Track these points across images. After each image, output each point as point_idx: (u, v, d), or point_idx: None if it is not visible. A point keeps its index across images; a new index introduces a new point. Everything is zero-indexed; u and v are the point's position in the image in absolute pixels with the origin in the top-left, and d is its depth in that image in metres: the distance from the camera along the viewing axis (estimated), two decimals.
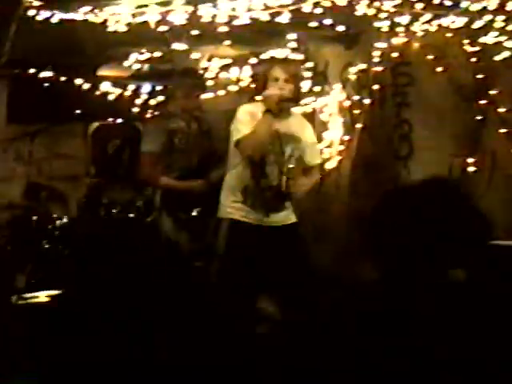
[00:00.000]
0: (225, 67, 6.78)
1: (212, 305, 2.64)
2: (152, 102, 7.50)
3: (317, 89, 6.91)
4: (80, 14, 5.67)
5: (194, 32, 5.84)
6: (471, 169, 6.31)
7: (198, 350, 2.41)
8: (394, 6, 5.68)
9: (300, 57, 6.57)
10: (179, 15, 5.64)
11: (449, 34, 5.95)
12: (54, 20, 5.62)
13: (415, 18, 5.80)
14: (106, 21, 5.78)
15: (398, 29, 5.98)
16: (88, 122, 8.20)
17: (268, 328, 2.68)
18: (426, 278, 2.53)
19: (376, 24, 5.93)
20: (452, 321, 2.50)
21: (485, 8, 5.54)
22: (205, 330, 2.48)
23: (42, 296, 5.31)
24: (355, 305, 2.56)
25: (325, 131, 6.91)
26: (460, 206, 2.66)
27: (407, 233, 2.57)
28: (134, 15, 5.74)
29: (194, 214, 6.07)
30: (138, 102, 7.55)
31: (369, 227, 2.71)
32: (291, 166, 5.43)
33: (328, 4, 5.60)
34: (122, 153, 7.95)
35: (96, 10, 5.71)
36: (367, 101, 6.66)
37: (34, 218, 7.13)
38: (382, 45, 6.29)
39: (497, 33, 5.80)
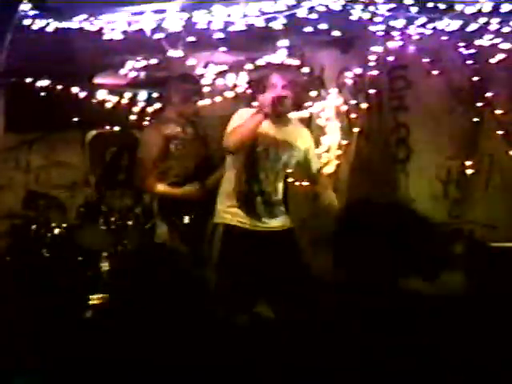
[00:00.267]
0: (221, 73, 6.77)
1: (209, 308, 2.64)
2: (149, 109, 7.51)
3: (313, 94, 6.93)
4: (75, 23, 5.65)
5: (190, 39, 5.78)
6: (469, 171, 6.32)
7: (195, 352, 2.41)
8: (389, 10, 5.64)
9: (296, 62, 6.56)
10: (175, 22, 5.60)
11: (444, 37, 5.92)
12: (50, 29, 5.59)
13: (410, 21, 5.76)
14: (101, 29, 5.75)
15: (394, 33, 5.95)
16: (85, 130, 8.21)
17: (264, 331, 2.69)
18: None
19: (371, 28, 5.88)
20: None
21: (479, 10, 5.51)
22: (202, 332, 2.48)
23: None
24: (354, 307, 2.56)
25: (322, 136, 6.91)
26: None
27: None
28: (129, 23, 5.71)
29: (187, 220, 6.05)
30: (135, 109, 7.56)
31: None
32: (286, 173, 5.46)
33: (323, 9, 5.56)
34: (119, 160, 7.94)
35: (91, 19, 5.68)
36: (364, 105, 6.66)
37: (33, 226, 7.14)
38: (378, 49, 6.26)
39: (492, 35, 5.78)
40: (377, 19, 5.72)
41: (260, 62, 6.63)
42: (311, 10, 5.55)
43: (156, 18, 5.65)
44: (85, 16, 5.66)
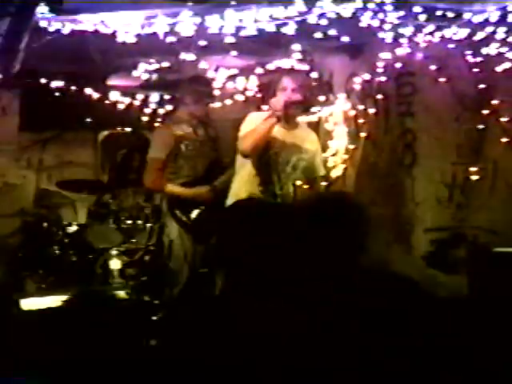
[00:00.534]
0: (231, 77, 6.80)
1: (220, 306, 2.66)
2: (160, 111, 7.54)
3: (322, 98, 6.95)
4: (90, 25, 5.65)
5: (202, 43, 5.78)
6: (474, 177, 6.31)
7: (209, 350, 2.43)
8: (398, 18, 5.61)
9: (305, 67, 6.58)
10: (187, 26, 5.59)
11: (451, 45, 5.92)
12: (65, 31, 5.60)
13: (418, 29, 5.74)
14: (115, 31, 5.75)
15: (402, 40, 5.93)
16: (98, 131, 8.26)
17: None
18: None
19: (380, 35, 5.87)
20: None
21: (487, 20, 5.51)
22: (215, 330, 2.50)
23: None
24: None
25: (330, 140, 6.92)
26: None
27: None
28: (142, 26, 5.71)
29: (194, 215, 6.05)
30: (147, 111, 7.59)
31: None
32: (296, 175, 5.49)
33: (333, 15, 5.57)
34: (130, 160, 7.99)
35: (105, 21, 5.69)
36: (372, 110, 6.67)
37: (45, 224, 7.18)
38: (386, 55, 6.25)
39: (498, 44, 5.79)
40: (386, 26, 5.68)
41: (270, 66, 6.66)
42: (321, 16, 5.50)
43: (169, 22, 5.65)
44: (99, 19, 5.68)
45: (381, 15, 5.57)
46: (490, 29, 5.60)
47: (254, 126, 5.38)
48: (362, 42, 6.44)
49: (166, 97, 7.57)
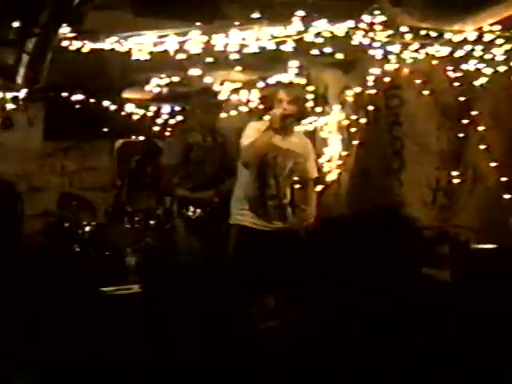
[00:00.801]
0: (235, 90, 6.88)
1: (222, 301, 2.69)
2: (171, 121, 7.59)
3: (318, 109, 7.01)
4: (107, 44, 5.71)
5: (209, 59, 5.82)
6: (455, 181, 6.35)
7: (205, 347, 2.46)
8: (387, 36, 5.67)
9: (302, 81, 6.63)
10: (195, 44, 5.63)
11: (434, 62, 5.99)
12: (85, 49, 5.66)
13: (405, 47, 5.81)
14: (130, 50, 5.80)
15: (390, 56, 6.00)
16: (114, 139, 8.31)
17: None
18: None
19: (370, 52, 5.95)
20: None
21: (465, 39, 5.57)
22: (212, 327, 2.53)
23: None
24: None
25: (325, 147, 6.99)
26: None
27: None
28: (155, 44, 5.75)
29: (197, 214, 6.09)
30: (159, 121, 7.65)
31: None
32: (292, 178, 5.52)
33: (328, 34, 5.62)
34: (143, 166, 8.02)
35: (121, 40, 5.73)
36: (363, 120, 6.72)
37: (66, 224, 7.24)
38: (376, 70, 6.32)
39: (476, 61, 5.86)
40: (375, 44, 5.76)
41: (271, 80, 6.74)
42: (317, 35, 5.56)
43: (179, 40, 5.71)
44: (116, 38, 5.76)
45: (371, 34, 5.64)
46: (468, 47, 5.68)
47: (253, 136, 5.38)
48: (354, 59, 6.50)
49: (177, 108, 7.63)
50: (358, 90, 6.67)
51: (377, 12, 5.43)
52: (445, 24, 5.54)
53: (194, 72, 6.06)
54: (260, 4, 5.34)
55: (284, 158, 5.46)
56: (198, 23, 5.51)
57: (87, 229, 7.19)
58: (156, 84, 6.71)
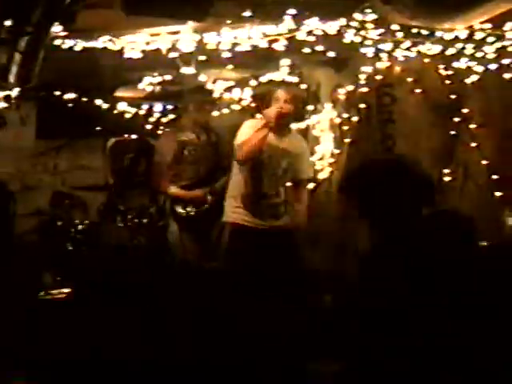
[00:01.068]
0: (228, 89, 6.88)
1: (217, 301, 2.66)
2: (164, 119, 7.58)
3: (310, 107, 7.02)
4: (100, 43, 5.71)
5: (201, 57, 5.84)
6: (447, 178, 6.34)
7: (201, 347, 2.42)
8: (378, 35, 5.68)
9: (295, 79, 6.64)
10: (187, 42, 5.64)
11: (426, 60, 6.01)
12: (77, 48, 5.65)
13: (396, 45, 5.84)
14: (122, 48, 5.81)
15: (382, 54, 6.03)
16: (106, 138, 8.28)
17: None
18: None
19: (362, 50, 5.96)
20: None
21: (456, 37, 5.58)
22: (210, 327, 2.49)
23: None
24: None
25: (317, 145, 6.98)
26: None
27: None
28: (147, 43, 5.75)
29: (191, 212, 6.06)
30: (151, 119, 7.64)
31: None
32: (286, 177, 5.53)
33: (320, 32, 5.63)
34: (136, 165, 8.00)
35: (114, 39, 5.73)
36: (355, 118, 6.71)
37: (59, 223, 7.22)
38: (368, 69, 6.35)
39: (467, 59, 5.88)
40: (367, 42, 5.77)
41: (263, 78, 6.74)
42: (309, 33, 5.58)
43: (171, 39, 5.71)
44: (108, 37, 5.75)
45: (362, 32, 5.65)
46: (459, 45, 5.70)
47: (248, 134, 5.39)
48: (346, 57, 6.49)
49: (169, 107, 7.62)
50: (350, 88, 6.67)
51: (368, 10, 5.43)
52: (436, 22, 5.54)
53: (187, 70, 6.06)
54: (252, 2, 5.34)
55: (279, 157, 5.48)
56: (190, 21, 5.50)
57: (80, 227, 7.17)
58: (149, 82, 6.71)
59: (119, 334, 2.45)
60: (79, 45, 5.64)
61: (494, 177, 6.13)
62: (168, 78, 6.64)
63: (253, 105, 7.00)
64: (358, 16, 5.44)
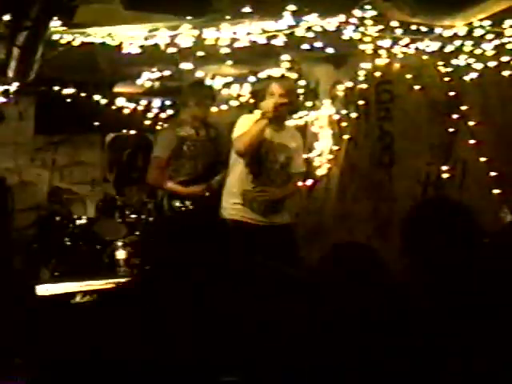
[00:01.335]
0: (227, 84, 6.86)
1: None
2: (162, 115, 7.57)
3: (309, 104, 7.00)
4: (98, 38, 5.69)
5: (200, 53, 5.84)
6: (445, 175, 6.34)
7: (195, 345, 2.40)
8: (377, 31, 5.67)
9: (294, 75, 6.61)
10: (186, 38, 5.62)
11: (425, 57, 6.01)
12: (76, 43, 5.64)
13: (395, 41, 5.84)
14: (121, 43, 5.79)
15: (381, 51, 6.04)
16: (105, 133, 8.30)
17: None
18: None
19: (361, 47, 5.96)
20: None
21: (455, 34, 5.58)
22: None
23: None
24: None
25: (316, 142, 6.98)
26: None
27: None
28: (146, 38, 5.73)
29: (188, 208, 6.05)
30: (149, 115, 7.63)
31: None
32: (283, 172, 5.52)
33: (319, 29, 5.62)
34: (134, 160, 8.02)
35: (112, 34, 5.71)
36: (354, 115, 6.70)
37: (57, 218, 7.22)
38: (367, 65, 6.36)
39: (466, 56, 5.88)
40: (366, 39, 5.77)
41: (262, 74, 6.73)
42: (308, 29, 5.56)
43: (170, 34, 5.70)
44: (106, 32, 5.72)
45: (362, 29, 5.64)
46: (458, 42, 5.69)
47: (246, 127, 5.40)
48: (346, 53, 6.48)
49: (167, 102, 7.61)
50: (349, 84, 6.67)
51: (367, 7, 5.40)
52: (435, 19, 5.52)
53: (185, 66, 6.06)
54: None
55: (276, 152, 5.47)
56: (188, 17, 5.47)
57: (78, 223, 7.18)
58: (147, 78, 6.70)
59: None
60: (78, 40, 5.61)
61: (493, 173, 6.10)
62: (167, 73, 6.61)
63: (251, 101, 7.00)
64: (357, 12, 5.42)
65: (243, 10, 5.30)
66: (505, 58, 5.81)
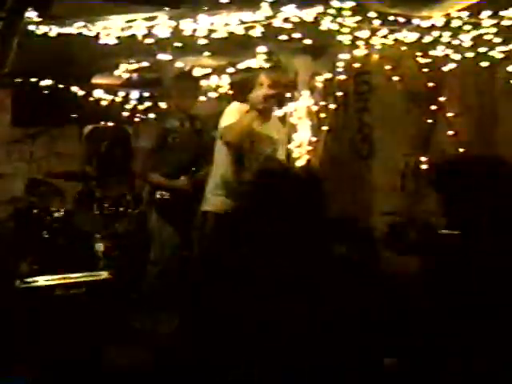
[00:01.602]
0: (205, 76, 6.83)
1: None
2: (140, 106, 7.54)
3: (287, 95, 6.98)
4: (75, 29, 5.64)
5: (177, 44, 5.81)
6: (423, 166, 6.34)
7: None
8: (355, 22, 5.66)
9: (272, 67, 6.61)
10: (163, 29, 5.59)
11: (403, 48, 5.98)
12: (52, 34, 5.58)
13: (373, 32, 5.81)
14: (98, 34, 5.75)
15: (359, 42, 6.00)
16: (83, 125, 8.25)
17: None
18: None
19: (339, 38, 5.93)
20: None
21: (433, 25, 5.58)
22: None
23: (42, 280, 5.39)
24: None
25: (294, 133, 6.98)
26: None
27: None
28: (122, 29, 5.69)
29: (170, 200, 6.01)
30: (128, 107, 7.59)
31: None
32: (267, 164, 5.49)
33: (296, 20, 5.60)
34: (112, 152, 7.97)
35: (89, 25, 5.66)
36: (332, 106, 6.72)
37: (35, 210, 7.17)
38: (345, 56, 6.34)
39: (444, 47, 5.87)
40: (344, 30, 5.75)
41: (240, 65, 6.70)
42: (286, 20, 5.55)
43: (147, 25, 5.65)
44: (83, 23, 5.68)
45: (339, 20, 5.62)
46: (436, 33, 5.68)
47: (235, 117, 5.35)
48: (324, 44, 6.47)
49: (145, 94, 7.57)
50: (328, 75, 6.67)
51: None
52: (413, 10, 5.53)
53: (163, 57, 6.02)
54: None
55: (261, 143, 5.44)
56: (165, 8, 5.45)
57: (56, 215, 7.12)
58: (125, 69, 6.66)
59: None
60: (54, 31, 5.55)
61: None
62: (145, 64, 6.57)
63: (230, 92, 6.98)
64: (335, 3, 5.39)
65: (221, 1, 5.26)
66: (482, 49, 5.81)
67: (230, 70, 6.78)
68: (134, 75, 6.83)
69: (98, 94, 7.26)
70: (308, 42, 6.02)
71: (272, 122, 5.56)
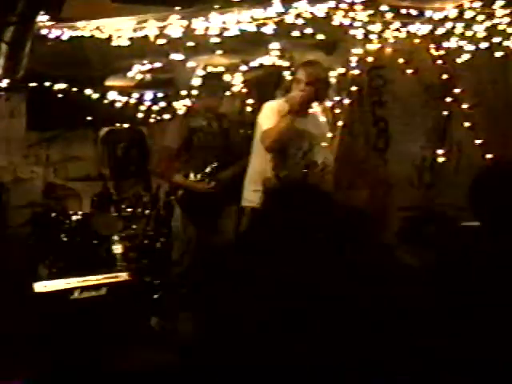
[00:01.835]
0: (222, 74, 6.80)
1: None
2: (154, 107, 7.53)
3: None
4: (87, 31, 5.65)
5: (190, 43, 5.81)
6: (440, 159, 6.32)
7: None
8: (367, 16, 5.66)
9: (285, 63, 6.59)
10: (175, 29, 5.61)
11: (416, 40, 5.97)
12: (64, 37, 5.60)
13: (386, 26, 5.81)
14: (110, 36, 5.75)
15: (372, 36, 5.99)
16: (98, 128, 8.26)
17: None
18: None
19: (352, 32, 5.92)
20: None
21: (446, 16, 5.55)
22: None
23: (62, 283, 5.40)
24: None
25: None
26: None
27: None
28: (134, 30, 5.70)
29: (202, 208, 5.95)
30: (142, 108, 7.59)
31: None
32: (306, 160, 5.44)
33: (308, 15, 5.58)
34: (129, 154, 7.98)
35: (101, 27, 5.67)
36: (347, 101, 6.65)
37: (53, 214, 7.19)
38: (358, 51, 6.31)
39: (457, 38, 5.85)
40: (356, 24, 5.74)
41: (253, 63, 6.69)
42: (298, 16, 5.55)
43: (158, 26, 5.66)
44: (95, 25, 5.69)
45: (351, 14, 5.61)
46: (449, 24, 5.66)
47: (272, 119, 5.27)
48: (336, 40, 6.43)
49: (160, 94, 7.56)
50: (341, 70, 6.59)
51: None
52: (425, 2, 5.51)
53: (176, 57, 6.02)
54: None
55: (300, 139, 5.39)
56: (177, 7, 5.45)
57: (74, 218, 7.14)
58: (138, 70, 6.66)
59: None
60: (66, 34, 5.57)
61: (488, 156, 6.07)
62: (157, 65, 6.57)
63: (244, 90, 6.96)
64: None
65: None
66: (496, 39, 5.77)
67: (243, 68, 6.74)
68: (148, 76, 6.81)
69: (112, 96, 7.25)
70: (320, 37, 5.98)
71: (311, 118, 5.51)
